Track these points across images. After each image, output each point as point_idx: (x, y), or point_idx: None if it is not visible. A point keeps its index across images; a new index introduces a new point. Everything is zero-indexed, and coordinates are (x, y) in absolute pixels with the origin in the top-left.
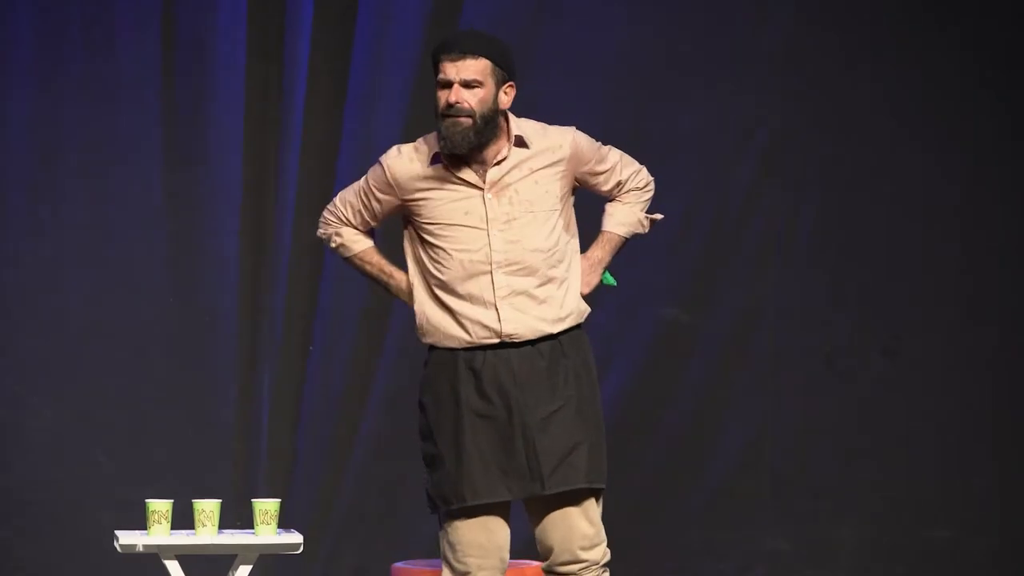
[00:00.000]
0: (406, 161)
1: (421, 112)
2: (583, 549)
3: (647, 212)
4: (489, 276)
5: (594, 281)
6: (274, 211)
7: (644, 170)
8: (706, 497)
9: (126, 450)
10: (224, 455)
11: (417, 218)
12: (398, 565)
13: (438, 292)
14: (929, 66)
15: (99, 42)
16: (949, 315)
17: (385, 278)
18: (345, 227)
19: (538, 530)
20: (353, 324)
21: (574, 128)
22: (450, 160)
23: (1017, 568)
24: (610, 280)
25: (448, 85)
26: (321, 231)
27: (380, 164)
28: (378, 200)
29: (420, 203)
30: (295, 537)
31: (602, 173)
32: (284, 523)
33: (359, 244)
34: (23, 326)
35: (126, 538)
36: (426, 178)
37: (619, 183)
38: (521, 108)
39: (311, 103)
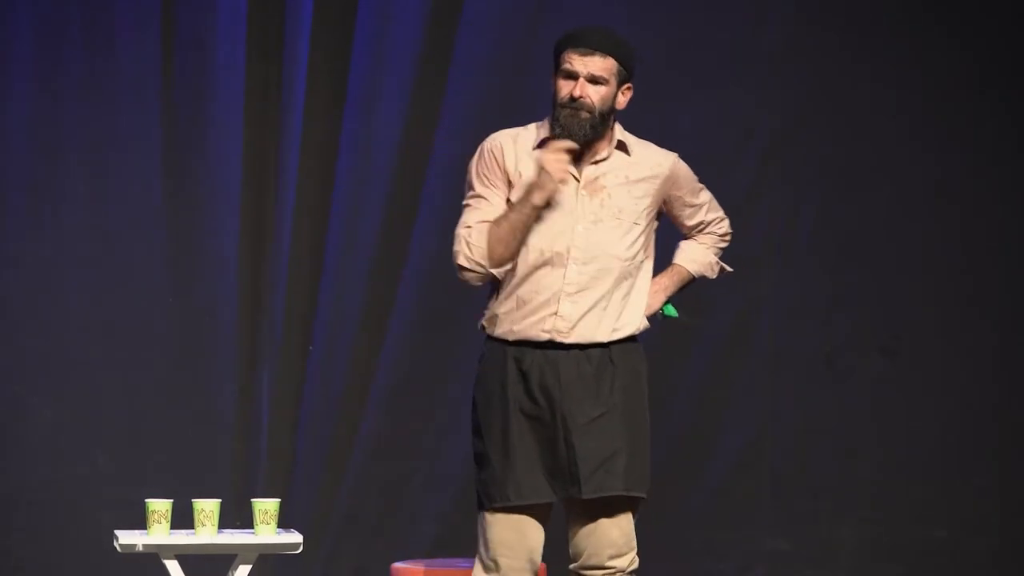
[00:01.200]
0: (509, 142)
1: (421, 112)
2: (611, 557)
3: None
4: (563, 270)
5: (655, 305)
6: (274, 211)
7: (727, 221)
8: (706, 497)
9: (126, 450)
10: (224, 455)
11: (509, 199)
12: (397, 565)
13: (506, 282)
14: (929, 66)
15: (99, 42)
16: (949, 315)
17: (520, 211)
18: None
19: (571, 532)
20: (353, 324)
21: (677, 155)
22: None
23: (1017, 568)
24: (672, 312)
25: (573, 77)
26: (461, 262)
27: (482, 151)
28: (496, 188)
29: (516, 183)
30: (295, 537)
31: (691, 206)
32: (284, 523)
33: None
34: (23, 326)
35: (126, 538)
36: (529, 162)
37: (702, 223)
38: (521, 108)
39: (311, 103)
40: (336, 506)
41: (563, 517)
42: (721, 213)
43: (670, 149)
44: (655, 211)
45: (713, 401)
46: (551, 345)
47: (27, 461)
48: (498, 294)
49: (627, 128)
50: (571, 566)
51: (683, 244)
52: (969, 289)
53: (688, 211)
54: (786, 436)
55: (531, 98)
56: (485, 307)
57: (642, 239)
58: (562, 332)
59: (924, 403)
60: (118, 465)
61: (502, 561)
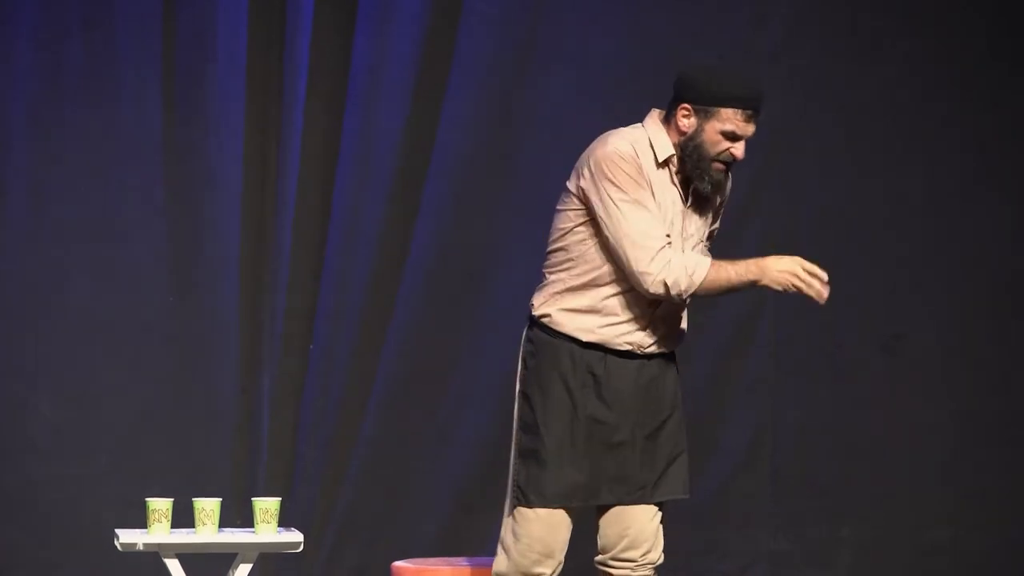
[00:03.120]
0: (639, 152)
1: (422, 110)
2: (646, 552)
3: None
4: None
5: None
6: (275, 209)
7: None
8: (707, 496)
9: (126, 448)
10: (224, 454)
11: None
12: (398, 564)
13: (598, 285)
14: (929, 63)
15: (100, 42)
16: (951, 313)
17: (742, 279)
18: (671, 251)
19: (608, 525)
20: (354, 323)
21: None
22: (675, 167)
23: (1018, 567)
24: None
25: (736, 139)
26: (673, 286)
27: (622, 153)
28: (647, 189)
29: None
30: (295, 536)
31: (719, 215)
32: (284, 522)
33: (704, 259)
34: (24, 325)
35: (126, 536)
36: (654, 177)
37: (714, 230)
38: (522, 107)
39: (312, 101)
40: (337, 505)
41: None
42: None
43: None
44: None
45: (714, 400)
46: (624, 353)
47: (28, 460)
48: (575, 291)
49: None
50: (599, 557)
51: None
52: (971, 288)
53: (718, 221)
54: (787, 435)
55: (531, 97)
56: (549, 293)
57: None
58: (644, 346)
59: (926, 402)
60: (119, 464)
61: (533, 557)
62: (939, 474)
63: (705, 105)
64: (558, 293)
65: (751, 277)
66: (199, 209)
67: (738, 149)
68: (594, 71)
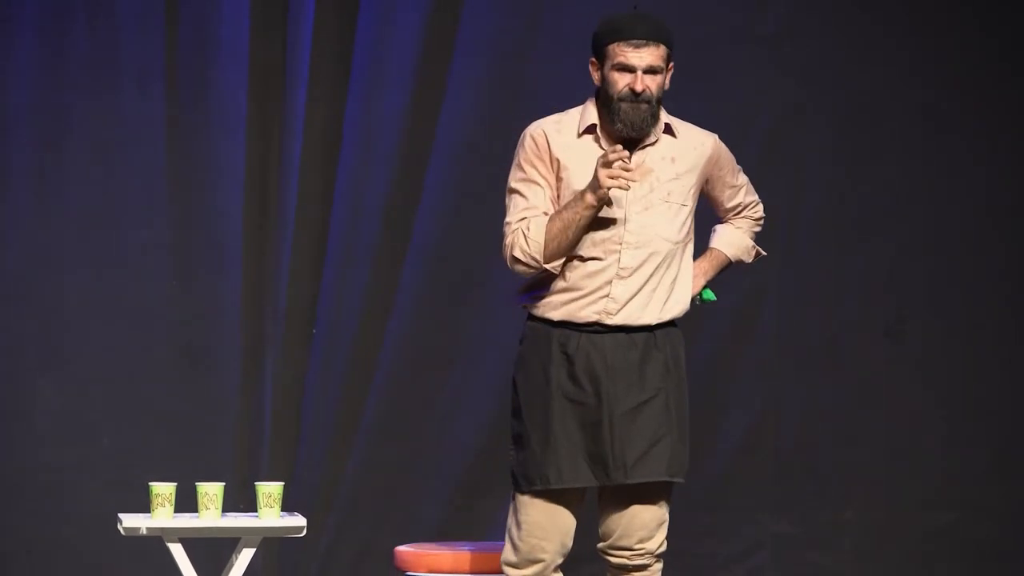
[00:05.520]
0: (552, 131)
1: (424, 96)
2: (641, 540)
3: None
4: (617, 255)
5: (695, 289)
6: (278, 195)
7: (761, 205)
8: (709, 480)
9: (129, 433)
10: (228, 438)
11: (558, 187)
12: (400, 548)
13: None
14: (933, 49)
15: (103, 32)
16: (953, 297)
17: (574, 209)
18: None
19: (603, 512)
20: (356, 308)
21: (717, 135)
22: (602, 135)
23: (1020, 552)
24: (711, 296)
25: (630, 70)
26: (516, 254)
27: (524, 139)
28: (543, 176)
29: (564, 172)
30: (298, 520)
31: (732, 187)
32: (287, 506)
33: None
34: (27, 310)
35: (129, 521)
36: (574, 148)
37: (740, 205)
38: (524, 92)
39: (314, 89)
40: (339, 490)
41: (591, 496)
42: (756, 197)
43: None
44: (698, 191)
45: (717, 384)
46: (596, 327)
47: (30, 444)
48: (545, 275)
49: None
50: (599, 545)
51: (719, 228)
52: (973, 271)
53: (728, 192)
54: (790, 419)
55: (533, 83)
56: (528, 285)
57: (689, 220)
58: (610, 313)
59: (928, 386)
60: (122, 448)
61: (536, 543)
62: (943, 456)
63: (598, 53)
64: (531, 282)
65: (582, 204)
66: (202, 197)
67: (636, 81)
68: None
